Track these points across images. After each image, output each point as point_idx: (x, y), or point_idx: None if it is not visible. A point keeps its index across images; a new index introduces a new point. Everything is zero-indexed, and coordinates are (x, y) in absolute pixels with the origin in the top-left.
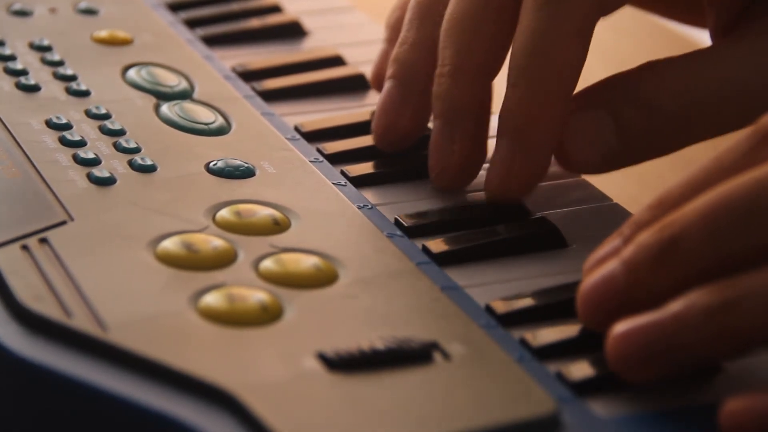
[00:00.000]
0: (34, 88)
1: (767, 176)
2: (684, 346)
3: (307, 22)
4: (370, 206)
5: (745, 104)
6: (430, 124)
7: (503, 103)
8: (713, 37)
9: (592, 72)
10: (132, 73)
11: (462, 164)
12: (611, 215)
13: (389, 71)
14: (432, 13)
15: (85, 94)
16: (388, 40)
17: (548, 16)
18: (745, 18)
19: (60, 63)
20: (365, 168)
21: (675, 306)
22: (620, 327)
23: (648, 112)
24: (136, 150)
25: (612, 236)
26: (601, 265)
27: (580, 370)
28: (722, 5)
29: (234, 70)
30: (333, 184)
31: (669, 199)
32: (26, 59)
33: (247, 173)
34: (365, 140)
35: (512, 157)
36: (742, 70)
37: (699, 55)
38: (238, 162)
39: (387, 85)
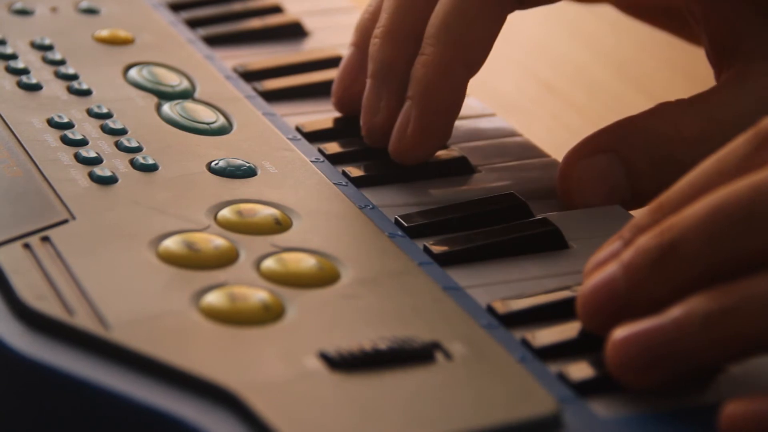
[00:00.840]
0: (35, 87)
1: (766, 180)
2: (684, 352)
3: (308, 23)
4: (371, 206)
5: None
6: None
7: (413, 68)
8: (709, 57)
9: (593, 72)
10: (133, 73)
11: (387, 122)
12: (612, 216)
13: (352, 39)
14: None
15: (86, 93)
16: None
17: None
18: (739, 49)
19: (61, 62)
20: (367, 168)
21: (674, 311)
22: (619, 332)
23: (661, 163)
24: (138, 149)
25: (612, 239)
26: (601, 269)
27: (582, 370)
28: (714, 30)
29: (235, 70)
30: (334, 184)
31: (669, 202)
32: (27, 58)
33: (248, 173)
34: None
35: (407, 119)
36: (750, 114)
37: (708, 99)
38: (240, 161)
39: (348, 51)
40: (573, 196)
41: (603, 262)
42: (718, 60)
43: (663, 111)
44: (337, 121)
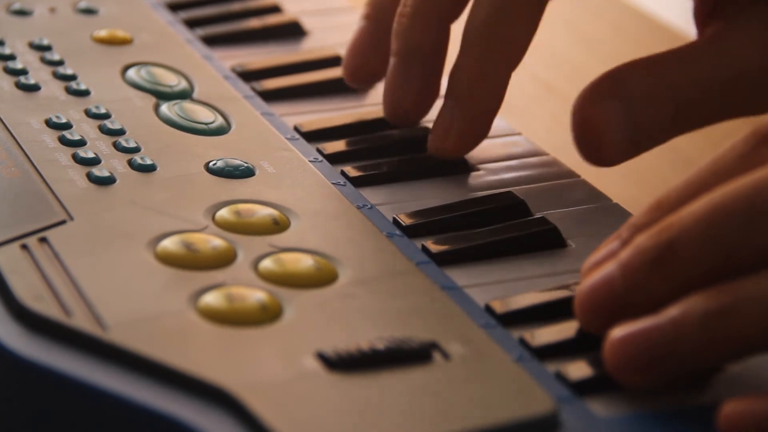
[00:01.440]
0: (33, 88)
1: (764, 180)
2: (682, 352)
3: (306, 22)
4: (369, 206)
5: (732, 96)
6: None
7: (453, 67)
8: (695, 13)
9: (592, 72)
10: (131, 73)
11: (414, 105)
12: (611, 215)
13: (363, 12)
14: None
15: (84, 93)
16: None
17: None
18: (726, 8)
19: (60, 62)
20: (365, 168)
21: (672, 311)
22: (617, 332)
23: (649, 110)
24: (136, 149)
25: (610, 238)
26: (599, 268)
27: (579, 369)
28: None
29: (233, 70)
30: (332, 183)
31: (667, 201)
32: (26, 59)
33: (246, 173)
34: (365, 140)
35: (452, 119)
36: (723, 66)
37: (686, 51)
38: (238, 162)
39: (360, 24)
40: (594, 143)
41: (601, 262)
42: (703, 16)
43: (645, 63)
44: (335, 120)
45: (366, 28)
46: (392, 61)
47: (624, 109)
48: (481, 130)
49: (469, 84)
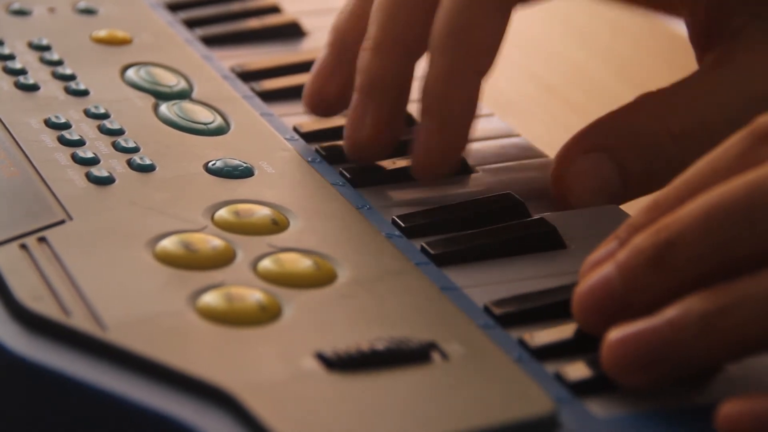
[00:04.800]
0: (33, 88)
1: (762, 179)
2: (679, 353)
3: (306, 23)
4: (368, 206)
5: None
6: None
7: (421, 83)
8: (692, 38)
9: (591, 71)
10: (131, 73)
11: (373, 139)
12: (610, 216)
13: (327, 39)
14: None
15: (84, 93)
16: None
17: None
18: (725, 26)
19: (59, 62)
20: (364, 168)
21: (670, 312)
22: (615, 333)
23: (652, 159)
24: (135, 149)
25: (608, 239)
26: (597, 269)
27: (578, 370)
28: (697, 7)
29: (233, 70)
30: (332, 184)
31: (665, 201)
32: (25, 58)
33: (245, 173)
34: None
35: (430, 134)
36: (733, 100)
37: (689, 89)
38: (237, 162)
39: (322, 52)
40: (567, 195)
41: (599, 263)
42: (700, 38)
43: (648, 105)
44: (334, 121)
45: (326, 57)
46: (354, 96)
47: (606, 163)
48: (461, 141)
49: (441, 95)
